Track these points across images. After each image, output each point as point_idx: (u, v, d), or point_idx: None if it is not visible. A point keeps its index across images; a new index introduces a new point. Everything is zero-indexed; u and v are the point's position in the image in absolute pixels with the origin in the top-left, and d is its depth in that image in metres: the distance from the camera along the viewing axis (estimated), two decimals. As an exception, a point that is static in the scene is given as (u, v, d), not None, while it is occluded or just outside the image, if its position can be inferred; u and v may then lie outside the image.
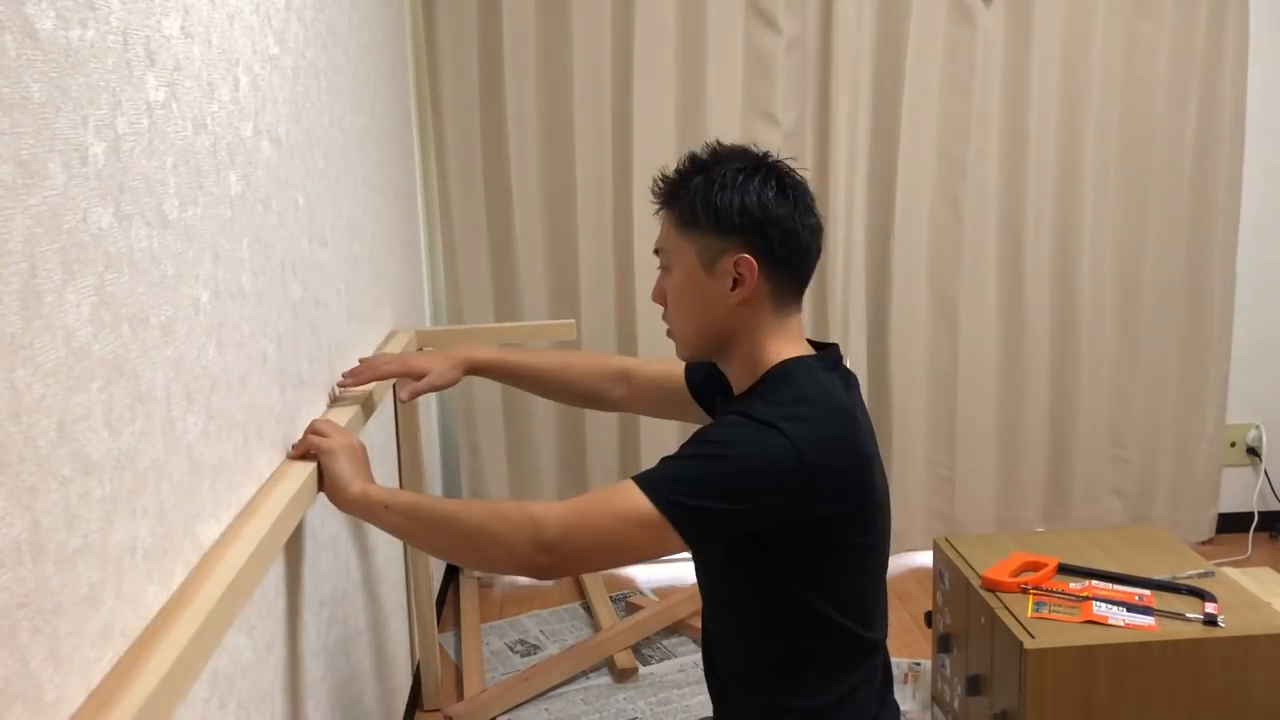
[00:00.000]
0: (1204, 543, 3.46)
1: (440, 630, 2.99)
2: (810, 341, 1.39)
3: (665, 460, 1.24)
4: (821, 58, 3.09)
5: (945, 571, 2.36)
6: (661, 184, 1.36)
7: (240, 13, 1.33)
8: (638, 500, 1.19)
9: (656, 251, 1.39)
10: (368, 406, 1.80)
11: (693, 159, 1.34)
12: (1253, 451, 3.52)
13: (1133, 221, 3.27)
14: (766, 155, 1.34)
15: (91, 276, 0.88)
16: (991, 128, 3.16)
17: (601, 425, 3.20)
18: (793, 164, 1.36)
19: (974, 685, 2.16)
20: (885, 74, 3.13)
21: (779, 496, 1.21)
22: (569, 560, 1.20)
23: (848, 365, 1.41)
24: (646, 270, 3.12)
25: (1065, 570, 2.20)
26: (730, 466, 1.21)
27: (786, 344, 1.33)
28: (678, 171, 1.35)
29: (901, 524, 3.35)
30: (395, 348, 2.21)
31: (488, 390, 3.18)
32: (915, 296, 3.23)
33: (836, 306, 3.17)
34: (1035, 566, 2.19)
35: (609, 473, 3.24)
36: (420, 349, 2.46)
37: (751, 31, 3.05)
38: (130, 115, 0.97)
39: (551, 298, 3.16)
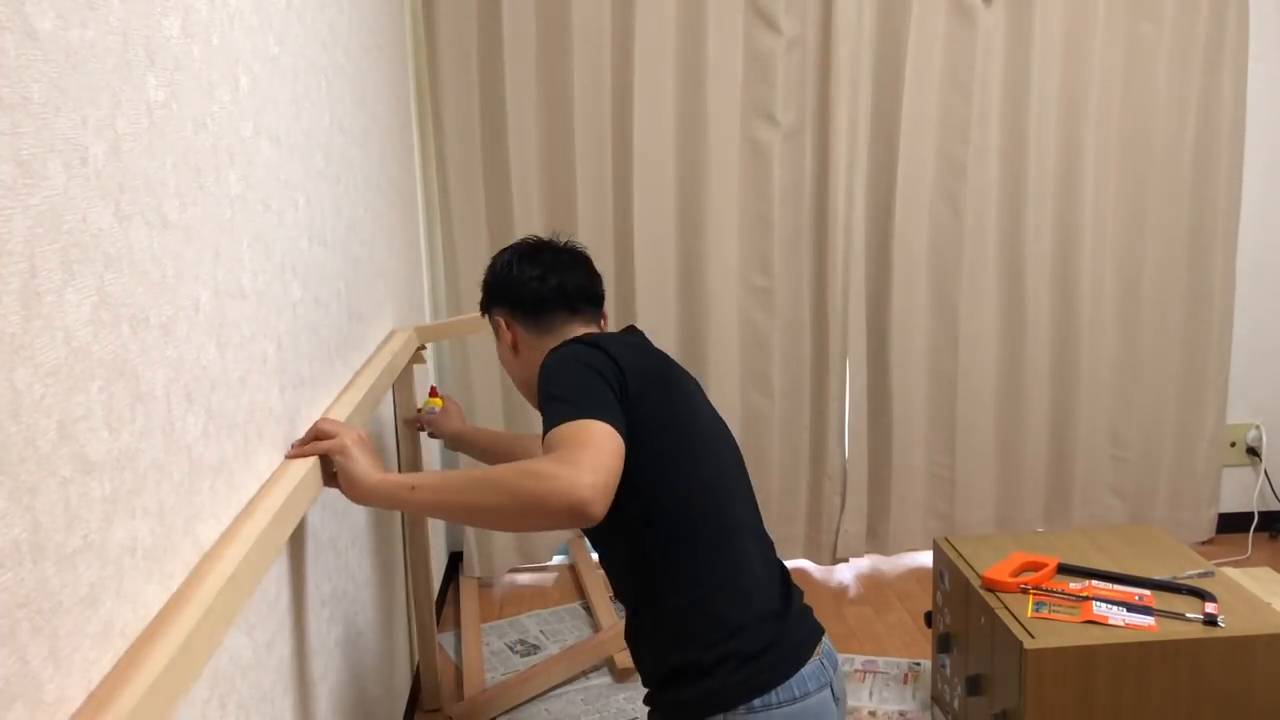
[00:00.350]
0: (1204, 543, 3.46)
1: (440, 630, 2.99)
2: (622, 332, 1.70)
3: (549, 398, 1.42)
4: (821, 58, 3.09)
5: (945, 571, 2.36)
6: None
7: (240, 13, 1.33)
8: (587, 424, 1.35)
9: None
10: (369, 400, 1.80)
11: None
12: (1253, 451, 3.52)
13: (1133, 221, 3.27)
14: (534, 239, 1.79)
15: (91, 276, 0.88)
16: (991, 128, 3.16)
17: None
18: (566, 236, 1.82)
19: (974, 685, 2.16)
20: (885, 74, 3.13)
21: (612, 377, 1.45)
22: (608, 490, 1.29)
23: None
24: (647, 270, 3.12)
25: (1065, 570, 2.20)
26: (577, 370, 1.45)
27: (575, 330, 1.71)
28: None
29: (901, 524, 3.35)
30: (395, 346, 2.21)
31: (488, 392, 3.18)
32: (915, 296, 3.23)
33: (836, 306, 3.17)
34: (1035, 566, 2.19)
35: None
36: (421, 347, 2.46)
37: (751, 31, 3.05)
38: (130, 115, 0.97)
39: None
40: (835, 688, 1.48)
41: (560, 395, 1.40)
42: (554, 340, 1.69)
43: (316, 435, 1.48)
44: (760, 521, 1.58)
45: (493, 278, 1.76)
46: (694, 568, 1.46)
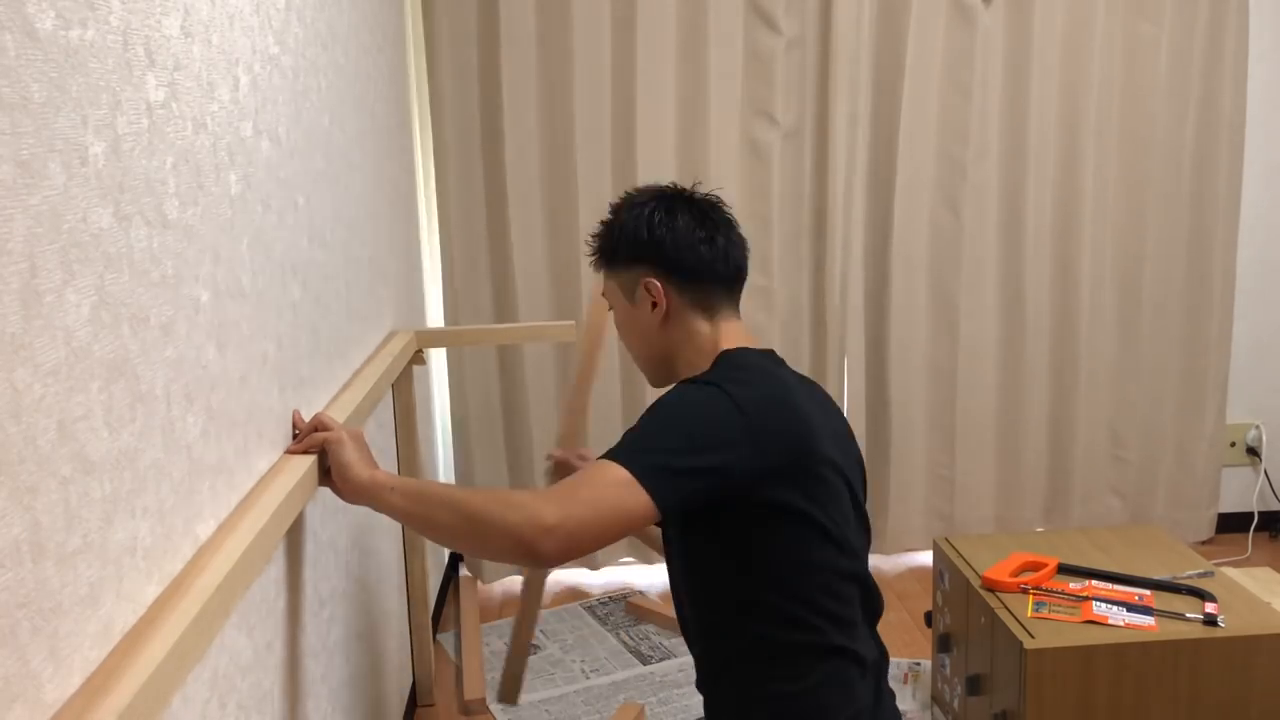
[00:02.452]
0: (1204, 543, 3.46)
1: (440, 630, 2.99)
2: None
3: (626, 433, 1.30)
4: (821, 58, 3.09)
5: (945, 571, 2.36)
6: (593, 242, 1.52)
7: (240, 12, 1.33)
8: (613, 470, 1.23)
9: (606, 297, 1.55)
10: (370, 400, 1.80)
11: (611, 211, 1.51)
12: (1253, 451, 3.52)
13: (1132, 221, 3.27)
14: (673, 187, 1.50)
15: (91, 276, 0.88)
16: (991, 128, 3.16)
17: (598, 429, 3.20)
18: (716, 191, 1.56)
19: (974, 685, 2.16)
20: (885, 74, 3.13)
21: (729, 449, 1.26)
22: (570, 539, 1.19)
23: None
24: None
25: (1065, 570, 2.20)
26: (680, 422, 1.28)
27: (720, 342, 1.44)
28: (604, 222, 1.51)
29: (901, 524, 3.35)
30: (397, 348, 2.21)
31: (485, 391, 3.18)
32: (915, 296, 3.23)
33: (836, 306, 3.17)
34: (1035, 566, 2.19)
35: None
36: (419, 351, 2.46)
37: (751, 31, 3.05)
38: (130, 115, 0.97)
39: (551, 298, 3.16)
40: None
41: (635, 439, 1.26)
42: (713, 336, 1.44)
43: (315, 426, 1.46)
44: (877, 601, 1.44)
45: (640, 228, 1.44)
46: (808, 669, 1.34)
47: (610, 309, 1.54)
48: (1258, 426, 3.51)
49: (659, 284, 1.43)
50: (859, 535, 1.40)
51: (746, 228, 3.12)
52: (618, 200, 1.53)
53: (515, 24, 2.98)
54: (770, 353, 1.45)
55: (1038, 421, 3.33)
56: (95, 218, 0.89)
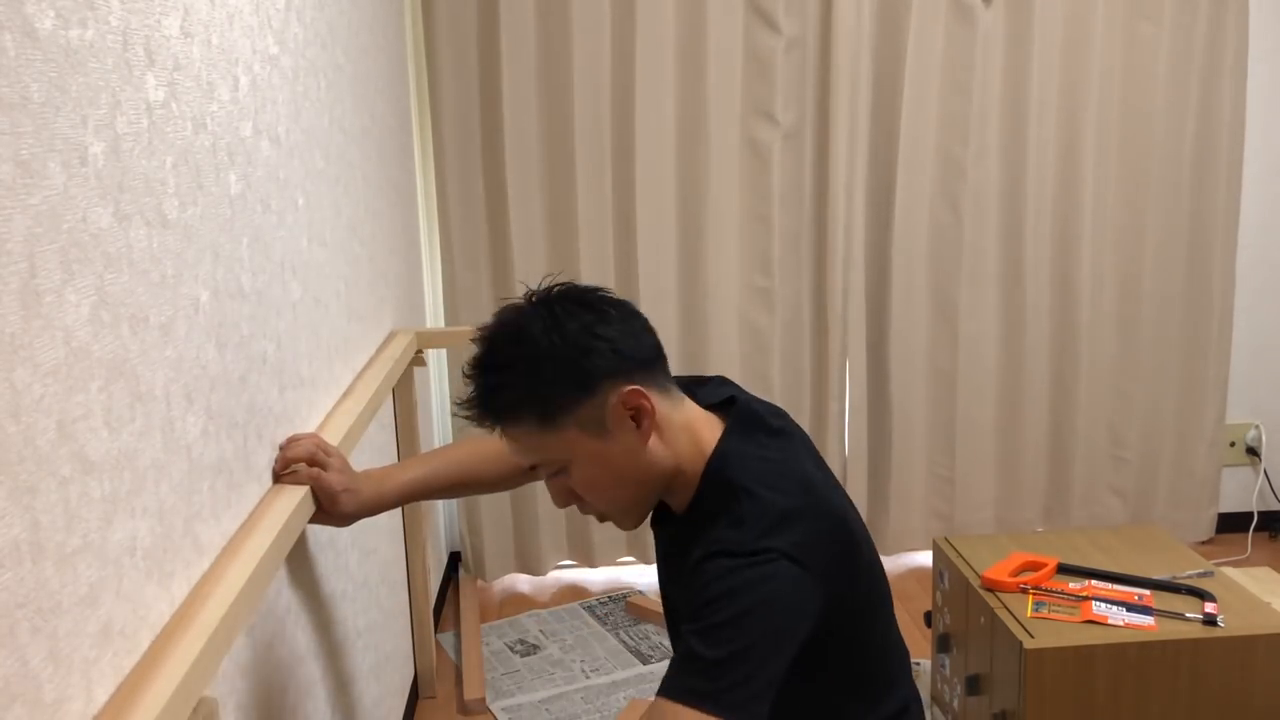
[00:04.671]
0: (1204, 543, 3.46)
1: (440, 630, 2.99)
2: (686, 382, 1.31)
3: (686, 657, 1.07)
4: (821, 58, 3.09)
5: (945, 571, 2.36)
6: (477, 409, 1.16)
7: (240, 13, 1.33)
8: (693, 718, 1.03)
9: (532, 467, 1.25)
10: (370, 409, 1.80)
11: (481, 364, 1.16)
12: (1252, 451, 3.52)
13: (1133, 221, 3.27)
14: (535, 296, 1.19)
15: (91, 276, 0.88)
16: (991, 128, 3.16)
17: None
18: (565, 278, 1.32)
19: (974, 685, 2.16)
20: (885, 74, 3.13)
21: (810, 618, 1.12)
22: None
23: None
24: (647, 270, 3.11)
25: (1065, 570, 2.20)
26: (759, 623, 1.07)
27: (696, 434, 1.22)
28: (485, 390, 1.16)
29: (901, 524, 3.35)
30: (397, 349, 2.20)
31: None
32: (915, 296, 3.23)
33: (836, 306, 3.17)
34: (1035, 566, 2.19)
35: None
36: (419, 352, 2.46)
37: (751, 31, 3.05)
38: (130, 115, 0.97)
39: (551, 298, 3.15)
40: None
41: (718, 668, 1.04)
42: (681, 430, 1.21)
43: (289, 459, 1.39)
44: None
45: (571, 344, 1.14)
46: None
47: (555, 474, 1.20)
48: (1258, 426, 3.51)
49: (637, 387, 1.15)
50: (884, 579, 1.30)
51: (747, 228, 3.15)
52: (483, 351, 1.17)
53: (515, 24, 2.98)
54: (727, 409, 1.26)
55: (1038, 421, 3.33)
56: (95, 218, 0.89)
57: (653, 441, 1.18)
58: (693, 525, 1.19)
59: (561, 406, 1.14)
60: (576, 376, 1.13)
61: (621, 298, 1.21)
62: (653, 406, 1.16)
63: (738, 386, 1.33)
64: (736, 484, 1.16)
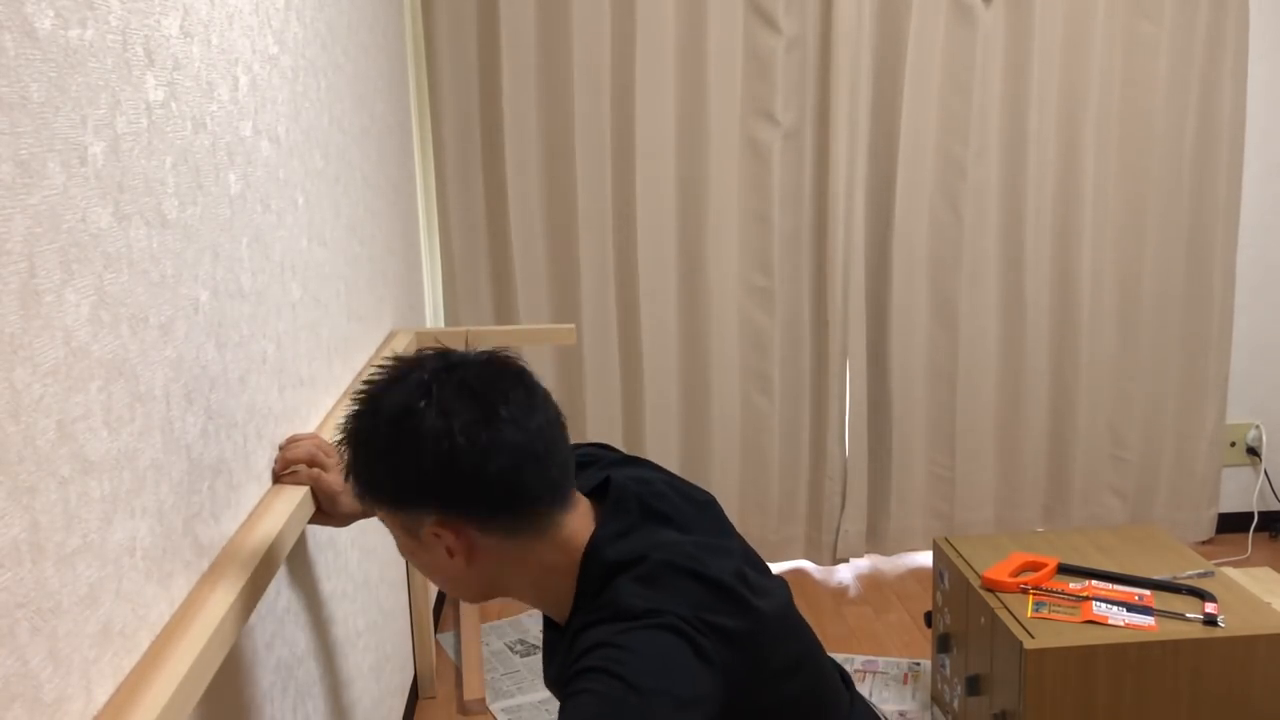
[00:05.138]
0: (1204, 543, 3.46)
1: (440, 630, 2.99)
2: (586, 452, 1.23)
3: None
4: (821, 58, 3.09)
5: (945, 571, 2.36)
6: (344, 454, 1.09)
7: (239, 12, 1.33)
8: None
9: None
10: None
11: (350, 422, 1.07)
12: (1253, 451, 3.52)
13: (1133, 221, 3.27)
14: (445, 365, 1.05)
15: (91, 276, 0.88)
16: (991, 128, 3.16)
17: (602, 419, 3.20)
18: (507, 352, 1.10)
19: (974, 685, 2.16)
20: (885, 74, 3.13)
21: (708, 700, 1.00)
22: None
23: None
24: (647, 270, 3.11)
25: (1065, 570, 2.20)
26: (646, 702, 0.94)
27: (572, 533, 1.09)
28: (345, 452, 1.08)
29: (901, 524, 3.35)
30: (398, 348, 2.20)
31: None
32: (915, 296, 3.23)
33: (837, 306, 3.17)
34: (1035, 566, 2.19)
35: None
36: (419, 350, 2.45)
37: (751, 31, 3.05)
38: (129, 115, 0.97)
39: (551, 298, 3.16)
40: None
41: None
42: (549, 536, 1.08)
43: (289, 460, 1.39)
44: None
45: (419, 452, 1.02)
46: None
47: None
48: (1258, 426, 3.51)
49: (456, 531, 1.05)
50: (795, 613, 1.16)
51: (747, 227, 3.15)
52: (362, 402, 1.07)
53: (515, 24, 2.98)
54: (613, 498, 1.12)
55: (1038, 421, 3.33)
56: (94, 217, 0.89)
57: (473, 568, 1.07)
58: (579, 627, 1.06)
59: (379, 501, 1.07)
60: (399, 489, 1.04)
61: (535, 385, 1.08)
62: (464, 546, 1.05)
63: (617, 459, 1.22)
64: (609, 574, 1.06)
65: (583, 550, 1.08)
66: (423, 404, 1.02)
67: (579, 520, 1.10)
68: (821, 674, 1.18)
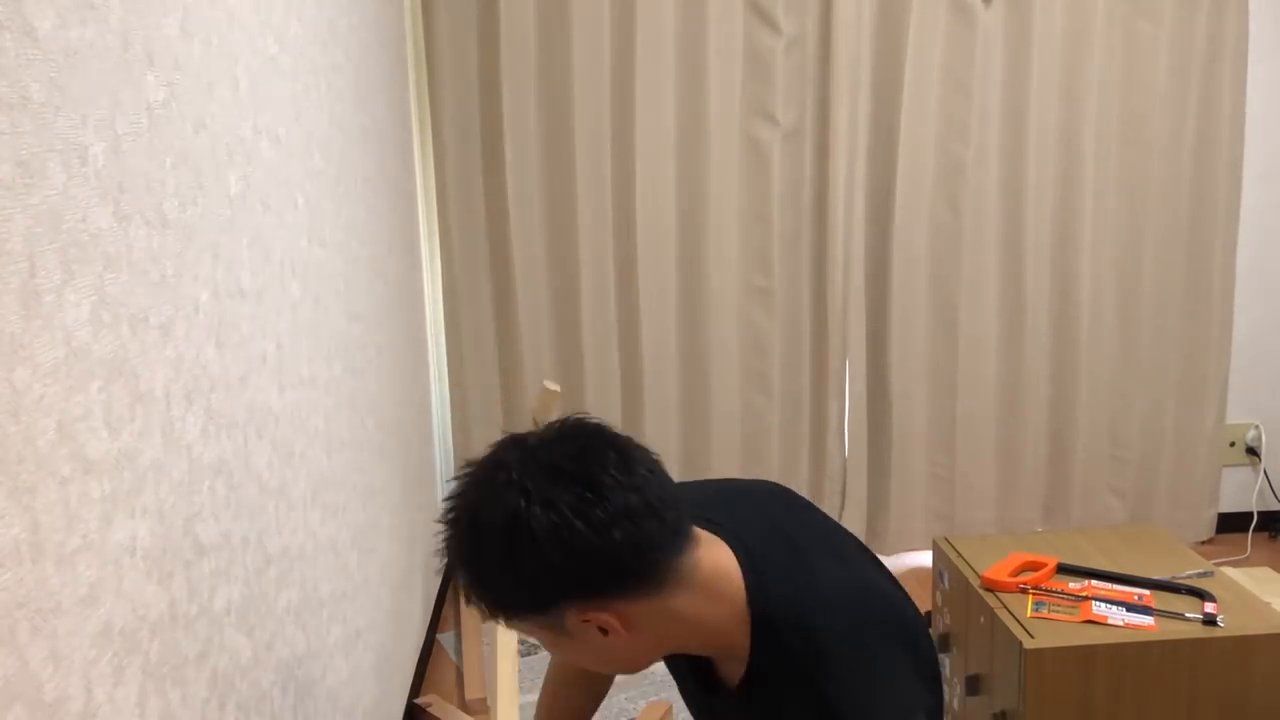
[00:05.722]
0: (1204, 542, 3.46)
1: (440, 630, 2.99)
2: (696, 490, 1.20)
3: None
4: (821, 58, 3.09)
5: (945, 571, 2.36)
6: (467, 581, 1.03)
7: (239, 12, 1.33)
8: None
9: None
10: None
11: (451, 549, 1.03)
12: (1252, 451, 3.52)
13: (1132, 221, 3.27)
14: (523, 463, 1.00)
15: (91, 276, 0.88)
16: (991, 128, 3.16)
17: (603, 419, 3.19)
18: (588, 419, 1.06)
19: (974, 685, 2.16)
20: (885, 74, 3.13)
21: None
22: None
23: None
24: (648, 270, 3.11)
25: (1065, 570, 2.20)
26: None
27: (711, 566, 1.06)
28: (461, 579, 1.03)
29: (901, 524, 3.35)
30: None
31: (485, 390, 3.18)
32: (915, 296, 3.23)
33: (837, 306, 3.17)
34: (1035, 566, 2.19)
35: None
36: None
37: (751, 31, 3.05)
38: (130, 115, 0.97)
39: (550, 298, 3.16)
40: None
41: None
42: (695, 592, 1.05)
43: None
44: None
45: (530, 570, 0.98)
46: None
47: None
48: (1257, 426, 3.51)
49: (603, 611, 1.01)
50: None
51: (747, 228, 3.15)
52: (455, 529, 1.02)
53: (515, 24, 2.98)
54: (759, 540, 1.11)
55: (1038, 421, 3.33)
56: (95, 217, 0.89)
57: (635, 636, 1.04)
58: (759, 696, 1.08)
59: (514, 614, 1.03)
60: (534, 596, 1.00)
61: (617, 437, 1.04)
62: (618, 618, 1.02)
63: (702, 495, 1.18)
64: (789, 643, 1.05)
65: (736, 585, 1.06)
66: (523, 504, 0.97)
67: (710, 551, 1.07)
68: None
